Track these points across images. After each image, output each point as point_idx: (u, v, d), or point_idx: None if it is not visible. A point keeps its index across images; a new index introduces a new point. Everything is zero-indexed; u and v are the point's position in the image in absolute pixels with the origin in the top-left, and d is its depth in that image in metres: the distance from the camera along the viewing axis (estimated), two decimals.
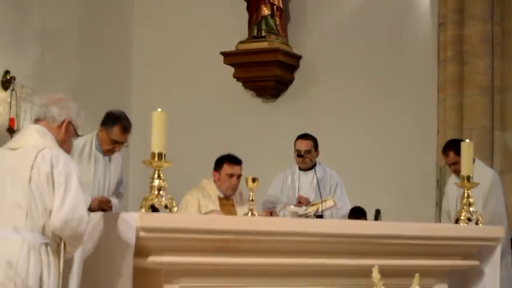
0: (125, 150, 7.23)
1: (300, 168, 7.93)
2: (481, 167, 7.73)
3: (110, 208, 6.78)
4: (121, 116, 6.87)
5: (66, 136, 4.90)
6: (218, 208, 7.18)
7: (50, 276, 4.64)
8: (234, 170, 7.27)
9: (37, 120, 4.90)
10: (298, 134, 8.06)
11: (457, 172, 7.57)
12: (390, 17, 10.41)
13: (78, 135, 5.05)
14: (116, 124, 6.79)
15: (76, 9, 10.93)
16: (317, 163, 7.94)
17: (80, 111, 4.96)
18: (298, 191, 7.80)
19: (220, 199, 7.28)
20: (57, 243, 4.71)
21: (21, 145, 4.76)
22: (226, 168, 7.25)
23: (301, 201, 7.64)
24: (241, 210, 7.22)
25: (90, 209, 6.60)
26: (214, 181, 7.32)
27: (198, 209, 7.14)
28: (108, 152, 6.89)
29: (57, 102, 4.89)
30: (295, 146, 7.96)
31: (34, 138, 4.76)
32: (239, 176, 7.26)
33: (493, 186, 7.72)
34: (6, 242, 4.59)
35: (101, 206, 6.67)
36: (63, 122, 4.86)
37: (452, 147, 7.76)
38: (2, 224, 4.64)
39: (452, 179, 7.89)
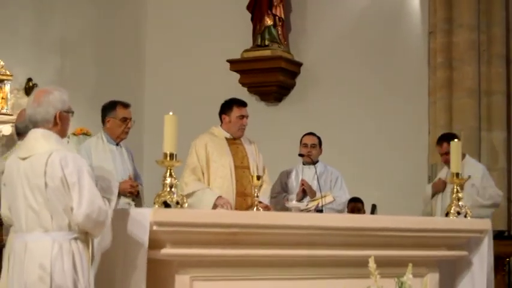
0: (138, 151, 7.21)
1: (303, 163, 7.95)
2: (472, 161, 8.17)
3: (138, 192, 6.71)
4: (114, 100, 6.87)
5: (64, 125, 4.77)
6: (227, 146, 7.08)
7: (83, 265, 4.62)
8: (243, 111, 7.16)
9: (35, 126, 4.74)
10: (299, 135, 8.09)
11: (447, 162, 7.78)
12: (384, 27, 10.43)
13: (72, 112, 4.83)
14: (116, 105, 6.80)
15: (93, 20, 10.97)
16: (319, 161, 7.97)
17: (61, 94, 4.74)
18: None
19: (228, 140, 7.16)
20: (85, 233, 4.68)
21: (30, 154, 4.65)
22: (236, 111, 7.13)
23: (304, 185, 7.64)
24: (249, 148, 7.20)
25: (120, 193, 6.58)
26: (224, 124, 7.18)
27: (205, 151, 7.01)
28: (123, 135, 6.80)
29: (40, 103, 4.69)
30: (301, 141, 7.98)
31: (41, 144, 4.64)
32: (247, 117, 7.18)
33: (485, 174, 8.14)
34: (37, 245, 4.56)
35: (126, 187, 6.61)
36: (54, 117, 4.69)
37: (446, 139, 7.97)
38: (30, 228, 4.60)
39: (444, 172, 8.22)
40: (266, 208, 6.88)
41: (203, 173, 7.00)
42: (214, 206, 6.79)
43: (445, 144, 7.96)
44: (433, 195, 8.28)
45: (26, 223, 4.62)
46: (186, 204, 5.07)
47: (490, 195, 8.10)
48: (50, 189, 4.55)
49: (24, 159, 4.67)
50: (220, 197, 6.88)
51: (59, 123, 4.73)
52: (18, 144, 5.82)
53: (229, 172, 7.01)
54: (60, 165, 4.55)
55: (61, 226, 4.58)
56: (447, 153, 7.73)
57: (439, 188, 8.25)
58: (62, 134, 4.79)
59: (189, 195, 6.83)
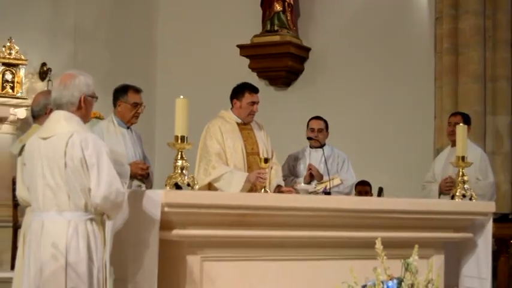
0: (150, 134, 7.17)
1: (310, 146, 7.93)
2: (471, 144, 7.77)
3: (148, 174, 6.64)
4: (127, 84, 6.79)
5: (88, 108, 4.79)
6: (238, 132, 6.96)
7: (97, 245, 4.64)
8: (255, 98, 7.00)
9: (59, 109, 4.74)
10: (307, 119, 8.05)
11: (451, 135, 7.60)
12: (391, 12, 10.39)
13: (96, 97, 4.85)
14: (128, 89, 6.72)
15: (106, 6, 10.97)
16: (326, 144, 7.91)
17: (87, 78, 4.76)
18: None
19: (239, 124, 7.03)
20: (101, 215, 4.71)
21: (51, 134, 4.67)
22: (248, 97, 6.97)
23: (311, 169, 7.62)
24: (259, 134, 7.10)
25: (131, 176, 6.55)
26: (235, 108, 7.04)
27: (221, 135, 6.89)
28: (133, 119, 6.73)
29: (66, 86, 4.71)
30: (308, 125, 7.93)
31: (62, 126, 4.66)
32: (258, 103, 7.05)
33: (483, 159, 7.82)
34: (53, 224, 4.58)
35: (137, 169, 6.54)
36: (79, 101, 4.71)
37: (462, 115, 7.95)
38: (47, 207, 4.62)
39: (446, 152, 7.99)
40: (290, 192, 6.87)
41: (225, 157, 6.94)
42: (248, 183, 6.69)
43: (458, 117, 7.88)
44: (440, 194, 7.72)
45: (43, 202, 4.63)
46: (197, 186, 5.08)
47: (483, 187, 7.58)
48: (69, 170, 4.57)
49: (45, 139, 4.68)
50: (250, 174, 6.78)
51: (83, 107, 4.74)
52: (34, 127, 5.82)
53: (242, 158, 6.95)
54: (80, 147, 4.57)
55: (78, 206, 4.59)
56: (455, 123, 7.66)
57: (447, 188, 7.53)
58: (85, 118, 4.81)
59: (216, 180, 6.76)
